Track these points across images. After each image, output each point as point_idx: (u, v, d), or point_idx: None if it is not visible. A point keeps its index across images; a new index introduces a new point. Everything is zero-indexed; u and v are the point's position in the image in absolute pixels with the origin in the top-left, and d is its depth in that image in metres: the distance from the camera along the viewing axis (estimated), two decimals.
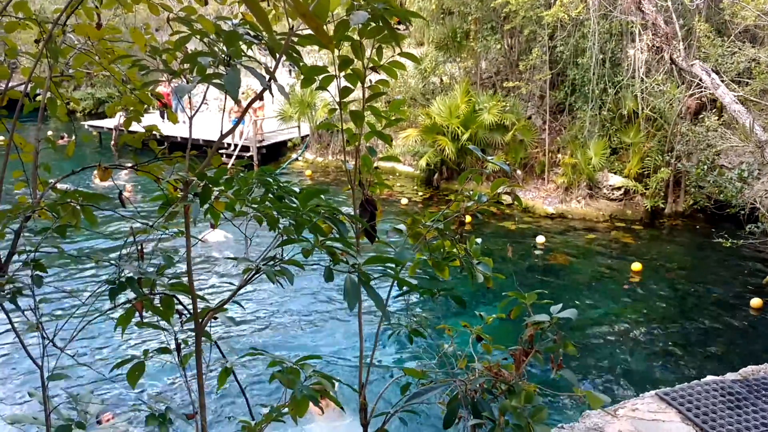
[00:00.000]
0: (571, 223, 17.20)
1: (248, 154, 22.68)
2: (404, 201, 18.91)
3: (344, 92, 2.26)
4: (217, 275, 13.59)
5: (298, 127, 23.60)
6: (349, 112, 2.31)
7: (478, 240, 2.48)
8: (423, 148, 19.25)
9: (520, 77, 19.01)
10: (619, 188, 17.44)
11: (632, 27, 15.70)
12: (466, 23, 19.13)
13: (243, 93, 29.85)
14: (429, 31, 20.35)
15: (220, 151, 23.15)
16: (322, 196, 2.18)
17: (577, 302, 12.96)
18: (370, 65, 2.24)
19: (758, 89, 12.48)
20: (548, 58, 17.69)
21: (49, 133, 27.38)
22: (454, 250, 2.46)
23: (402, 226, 2.38)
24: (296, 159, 23.31)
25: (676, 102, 15.16)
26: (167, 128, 26.16)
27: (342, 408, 2.26)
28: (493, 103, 18.27)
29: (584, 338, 11.32)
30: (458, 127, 18.33)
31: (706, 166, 11.74)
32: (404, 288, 2.41)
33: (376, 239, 2.38)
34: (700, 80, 8.37)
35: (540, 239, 15.75)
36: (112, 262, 1.79)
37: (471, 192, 2.58)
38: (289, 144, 23.90)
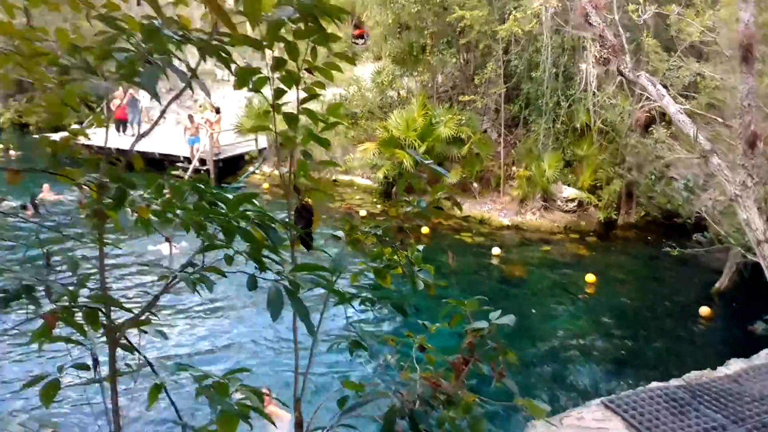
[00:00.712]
0: (527, 234, 17.36)
1: (205, 168, 22.35)
2: (363, 213, 18.84)
3: (278, 94, 2.19)
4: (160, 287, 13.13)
5: (256, 140, 23.35)
6: (282, 114, 2.24)
7: (420, 247, 2.43)
8: (381, 161, 19.24)
9: (476, 91, 19.20)
10: (572, 200, 17.70)
11: (584, 42, 16.04)
12: (422, 38, 19.27)
13: (200, 106, 29.52)
14: (386, 45, 20.42)
15: (176, 165, 22.76)
16: (255, 201, 2.10)
17: (533, 311, 13.08)
18: (306, 67, 2.18)
19: (704, 103, 12.83)
20: (503, 72, 17.91)
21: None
22: (396, 257, 2.40)
23: (340, 233, 2.31)
24: (253, 172, 23.05)
25: (627, 115, 15.51)
26: (123, 142, 25.68)
27: (274, 423, 2.17)
28: (449, 116, 18.40)
29: (539, 348, 11.39)
30: (415, 140, 18.39)
31: (653, 177, 11.99)
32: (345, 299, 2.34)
33: (313, 247, 2.31)
34: (647, 91, 8.62)
35: (496, 251, 15.84)
36: (11, 268, 1.67)
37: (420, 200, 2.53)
38: (247, 157, 23.63)
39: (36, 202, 17.90)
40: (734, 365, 3.15)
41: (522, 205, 18.19)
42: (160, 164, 23.31)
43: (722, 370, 3.08)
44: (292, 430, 2.15)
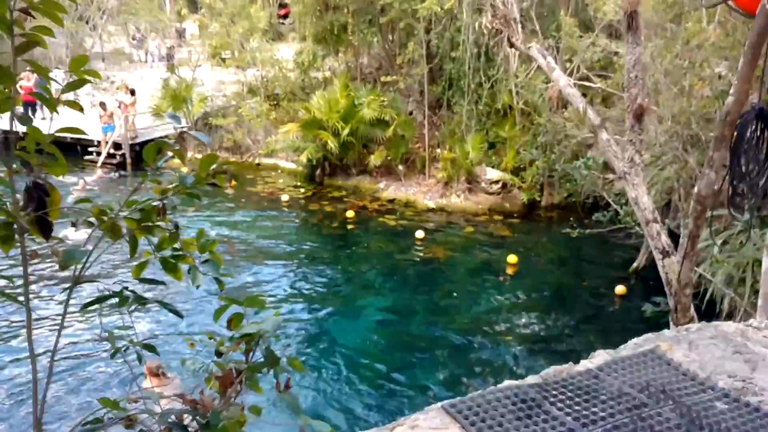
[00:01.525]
0: (451, 217, 17.21)
1: (121, 152, 21.27)
2: (285, 198, 18.29)
3: None
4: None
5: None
6: None
7: (212, 232, 2.01)
8: (304, 143, 18.69)
9: (400, 72, 18.85)
10: (497, 182, 17.63)
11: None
12: (343, 16, 18.72)
13: (117, 88, 28.18)
14: (307, 24, 19.81)
15: (89, 149, 21.62)
16: None
17: (454, 294, 12.89)
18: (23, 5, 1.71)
19: (620, 82, 12.84)
20: (425, 53, 17.58)
21: None
22: (177, 244, 1.98)
23: (92, 218, 1.86)
24: (172, 157, 21.93)
25: (547, 95, 15.43)
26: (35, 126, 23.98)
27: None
28: (371, 97, 18.00)
29: (454, 330, 11.26)
30: (338, 122, 17.91)
31: (553, 155, 11.92)
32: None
33: (52, 236, 1.86)
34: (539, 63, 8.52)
35: (419, 234, 15.61)
36: None
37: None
38: (166, 141, 22.60)
39: None
40: (598, 358, 2.87)
41: (447, 188, 18.00)
42: (72, 148, 22.11)
43: (585, 364, 2.81)
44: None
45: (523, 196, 17.30)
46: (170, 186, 1.90)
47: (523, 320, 11.70)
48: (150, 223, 1.83)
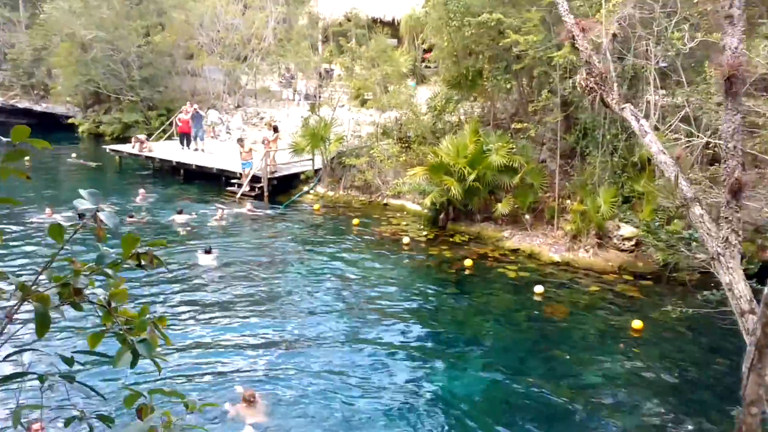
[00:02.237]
0: (576, 273, 16.27)
1: (259, 185, 22.46)
2: (406, 240, 18.29)
3: None
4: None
5: (312, 160, 23.34)
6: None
7: (157, 310, 1.94)
8: (429, 186, 18.68)
9: (533, 119, 18.39)
10: (630, 239, 16.51)
11: (645, 72, 14.97)
12: (478, 62, 18.65)
13: (266, 124, 29.97)
14: (442, 69, 19.99)
15: (232, 181, 23.05)
16: None
17: (567, 357, 12.11)
18: None
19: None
20: (560, 100, 17.02)
21: (73, 155, 27.87)
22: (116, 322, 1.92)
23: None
24: (307, 192, 22.98)
25: (692, 150, 14.27)
26: (183, 156, 26.11)
27: None
28: (500, 144, 17.66)
29: (563, 400, 10.48)
30: (465, 167, 17.72)
31: (656, 223, 10.83)
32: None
33: None
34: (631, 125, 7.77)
35: (539, 289, 14.88)
36: None
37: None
38: (302, 177, 23.61)
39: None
40: None
41: (575, 241, 17.11)
42: (217, 179, 23.72)
43: None
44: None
45: (658, 256, 16.02)
46: (87, 266, 1.84)
47: (639, 397, 10.66)
48: (72, 300, 1.78)
